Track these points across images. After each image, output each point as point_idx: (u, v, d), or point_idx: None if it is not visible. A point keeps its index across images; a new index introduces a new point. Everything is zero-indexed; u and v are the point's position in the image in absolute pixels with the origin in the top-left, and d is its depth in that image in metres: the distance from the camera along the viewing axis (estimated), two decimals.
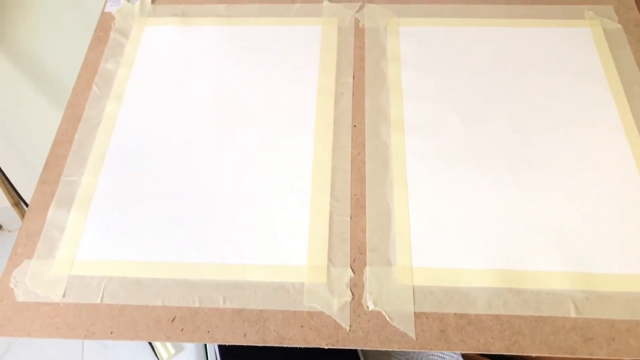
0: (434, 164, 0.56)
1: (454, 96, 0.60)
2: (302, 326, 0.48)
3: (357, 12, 0.68)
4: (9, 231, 1.49)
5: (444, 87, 0.61)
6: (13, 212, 1.20)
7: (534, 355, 0.46)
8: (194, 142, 0.59)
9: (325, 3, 0.69)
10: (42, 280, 0.51)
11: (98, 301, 0.49)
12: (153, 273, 0.51)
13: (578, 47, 0.64)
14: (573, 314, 0.47)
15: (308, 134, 0.59)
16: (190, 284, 0.50)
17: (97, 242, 0.53)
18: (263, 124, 0.60)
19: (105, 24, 0.70)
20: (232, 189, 0.55)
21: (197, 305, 0.49)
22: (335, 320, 0.48)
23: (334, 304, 0.48)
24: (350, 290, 0.49)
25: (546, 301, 0.48)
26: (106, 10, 0.71)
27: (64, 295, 0.50)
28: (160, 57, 0.66)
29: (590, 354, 0.45)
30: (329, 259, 0.51)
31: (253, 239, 0.52)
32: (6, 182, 1.12)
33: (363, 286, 0.49)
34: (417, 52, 0.64)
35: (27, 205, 1.14)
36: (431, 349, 0.46)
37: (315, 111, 0.60)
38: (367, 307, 0.48)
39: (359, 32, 0.67)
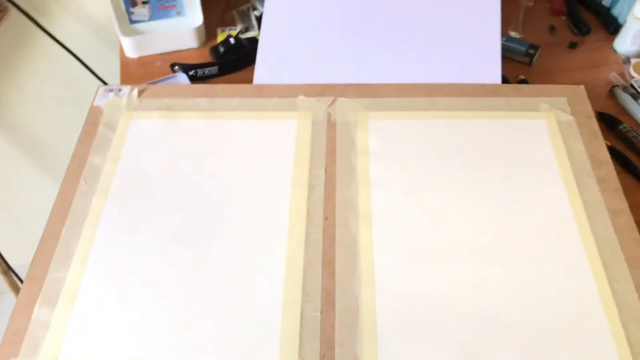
0: (401, 258, 0.59)
1: (420, 190, 0.65)
2: None
3: (329, 106, 0.73)
4: None
5: (411, 180, 0.66)
6: None
7: None
8: (174, 237, 0.62)
9: (301, 97, 0.74)
10: None
11: None
12: None
13: (534, 139, 0.69)
14: None
15: (282, 227, 0.62)
16: None
17: (82, 340, 0.55)
18: (239, 218, 0.64)
19: (94, 117, 0.74)
20: (210, 285, 0.58)
21: None
22: None
23: None
24: None
25: None
26: (95, 104, 0.75)
27: None
28: (145, 152, 0.70)
29: None
30: (300, 356, 0.53)
31: (225, 338, 0.55)
32: None
33: None
34: (384, 145, 0.69)
35: (15, 274, 1.17)
36: None
37: (289, 205, 0.64)
38: None
39: (331, 125, 0.72)
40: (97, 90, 0.77)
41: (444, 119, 0.71)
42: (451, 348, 0.53)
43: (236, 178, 0.67)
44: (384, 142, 0.69)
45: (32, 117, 1.10)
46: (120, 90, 0.77)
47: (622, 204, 0.63)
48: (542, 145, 0.68)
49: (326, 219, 0.63)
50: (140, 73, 0.86)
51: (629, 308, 0.55)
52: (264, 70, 0.79)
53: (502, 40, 0.79)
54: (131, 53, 0.87)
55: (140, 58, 0.87)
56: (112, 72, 1.03)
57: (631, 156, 0.75)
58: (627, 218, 0.62)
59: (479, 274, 0.58)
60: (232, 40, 0.85)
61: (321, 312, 0.56)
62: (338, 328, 0.55)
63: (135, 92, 0.76)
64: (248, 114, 0.74)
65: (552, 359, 0.52)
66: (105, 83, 1.00)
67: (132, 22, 0.87)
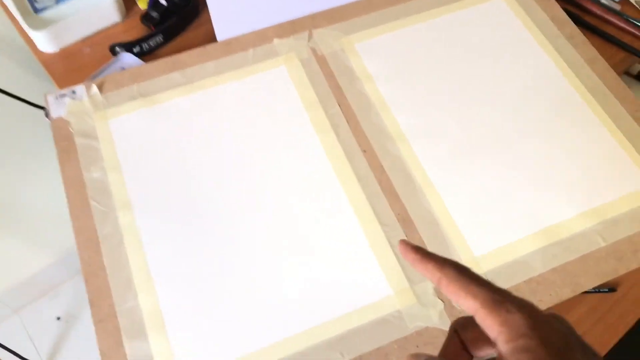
0: (448, 161, 0.63)
1: (435, 95, 0.67)
2: (417, 346, 0.53)
3: (309, 40, 0.71)
4: None
5: (422, 90, 0.68)
6: None
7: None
8: (227, 221, 0.59)
9: (276, 41, 0.71)
10: None
11: None
12: (267, 359, 0.52)
13: (501, 20, 0.74)
14: (602, 244, 0.58)
15: (328, 172, 0.62)
16: (303, 354, 0.53)
17: (192, 356, 0.53)
18: (282, 178, 0.62)
19: (62, 131, 0.64)
20: (287, 252, 0.58)
21: None
22: (440, 329, 0.54)
23: (432, 316, 0.55)
24: (438, 297, 0.56)
25: (581, 242, 0.59)
26: (53, 116, 0.65)
27: None
28: (143, 148, 0.63)
29: (627, 269, 0.58)
30: (408, 279, 0.56)
31: (333, 291, 0.56)
32: None
33: None
34: (382, 65, 0.69)
35: None
36: None
37: (323, 150, 0.63)
38: (457, 306, 0.55)
39: (320, 60, 0.70)
40: (46, 99, 0.66)
41: (420, 23, 0.73)
42: (525, 219, 0.59)
43: (254, 143, 0.64)
44: (380, 62, 0.70)
45: None
46: (74, 92, 0.66)
47: (593, 52, 0.71)
48: (510, 22, 0.74)
49: (365, 151, 0.63)
50: (71, 67, 0.74)
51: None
52: (222, 23, 0.72)
53: None
54: (49, 47, 0.74)
55: (62, 50, 0.75)
56: (12, 80, 0.87)
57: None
58: (602, 62, 0.71)
59: (523, 153, 0.63)
60: (162, 1, 0.76)
61: (406, 235, 0.59)
62: (427, 243, 0.58)
63: (95, 88, 0.66)
64: (230, 74, 0.69)
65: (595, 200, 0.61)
66: (14, 96, 0.84)
67: (37, 11, 0.73)
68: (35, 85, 0.90)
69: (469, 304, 0.27)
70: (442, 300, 0.55)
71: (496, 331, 0.26)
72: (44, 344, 1.32)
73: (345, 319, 0.54)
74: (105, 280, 0.56)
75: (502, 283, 0.56)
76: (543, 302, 0.56)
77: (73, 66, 0.75)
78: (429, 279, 0.29)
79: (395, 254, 0.58)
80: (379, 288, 0.56)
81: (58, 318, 1.36)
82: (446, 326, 0.54)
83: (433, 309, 0.55)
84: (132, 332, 0.53)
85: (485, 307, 0.26)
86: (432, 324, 0.54)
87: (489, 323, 0.26)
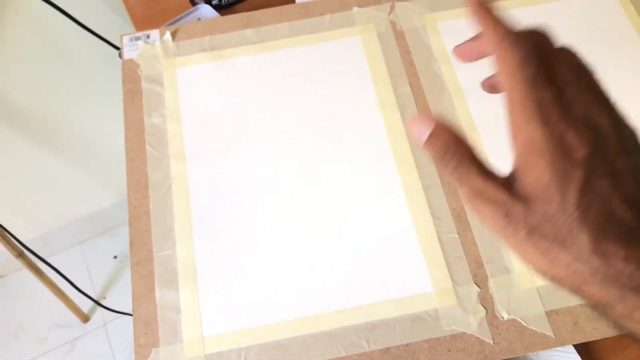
0: None
1: None
2: (449, 350, 0.50)
3: (390, 13, 0.67)
4: (2, 276, 1.43)
5: None
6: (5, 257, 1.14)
7: None
8: (276, 187, 0.58)
9: (355, 9, 0.67)
10: None
11: None
12: (289, 333, 0.51)
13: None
14: None
15: (387, 154, 0.59)
16: (330, 335, 0.51)
17: (219, 314, 0.52)
18: (338, 154, 0.59)
19: (131, 72, 0.65)
20: (331, 229, 0.55)
21: (343, 354, 0.50)
22: (477, 338, 0.50)
23: (472, 322, 0.51)
24: (481, 304, 0.52)
25: None
26: (125, 57, 0.66)
27: None
28: (206, 101, 0.63)
29: None
30: (453, 280, 0.52)
31: (373, 277, 0.53)
32: (5, 234, 1.05)
33: (491, 299, 0.52)
34: None
35: (32, 252, 1.08)
36: (570, 343, 0.50)
37: (385, 130, 0.60)
38: (502, 318, 0.51)
39: (399, 35, 0.66)
40: (122, 40, 0.67)
41: (519, 7, 0.67)
42: None
43: (317, 111, 0.62)
44: None
45: (11, 81, 0.97)
46: (148, 36, 0.67)
47: None
48: (617, 15, 0.66)
49: None
50: (151, 12, 0.75)
51: None
52: None
53: None
54: None
55: None
56: (97, 19, 0.90)
57: None
58: None
59: None
60: None
61: (458, 233, 0.55)
62: (480, 244, 0.54)
63: (169, 35, 0.66)
64: (303, 38, 0.66)
65: None
66: (93, 33, 0.87)
67: None
68: (115, 25, 0.92)
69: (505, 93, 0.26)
70: (485, 308, 0.51)
71: (513, 135, 0.25)
72: (99, 279, 1.39)
73: (378, 308, 0.51)
74: (148, 225, 0.56)
75: (556, 303, 0.51)
76: (599, 331, 0.50)
77: (153, 11, 0.75)
78: (485, 43, 0.27)
79: (443, 250, 0.54)
80: (420, 283, 0.52)
81: (115, 257, 1.42)
82: (484, 336, 0.50)
83: (473, 316, 0.51)
84: (165, 281, 0.54)
85: (512, 106, 0.25)
86: (469, 331, 0.50)
87: (509, 125, 0.25)
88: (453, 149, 0.25)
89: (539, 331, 0.50)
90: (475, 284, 0.52)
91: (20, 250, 1.08)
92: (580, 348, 0.58)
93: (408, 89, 0.62)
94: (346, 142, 0.60)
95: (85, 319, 1.32)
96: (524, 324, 0.50)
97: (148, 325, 0.52)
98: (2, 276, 1.41)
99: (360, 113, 0.61)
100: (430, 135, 0.25)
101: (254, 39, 0.66)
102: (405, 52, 0.65)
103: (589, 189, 0.22)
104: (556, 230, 0.23)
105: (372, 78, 0.63)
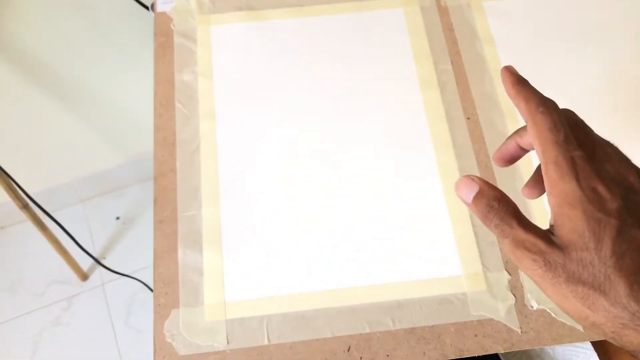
0: None
1: (560, 74, 0.60)
2: (475, 335, 0.49)
3: None
4: (2, 228, 1.41)
5: (544, 63, 0.60)
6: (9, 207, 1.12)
7: None
8: (306, 155, 0.56)
9: None
10: (198, 329, 0.49)
11: (266, 342, 0.48)
12: (313, 304, 0.50)
13: None
14: None
15: (424, 132, 0.57)
16: (354, 310, 0.50)
17: (242, 280, 0.51)
18: (372, 127, 0.57)
19: (163, 26, 0.62)
20: (362, 203, 0.54)
21: (367, 330, 0.49)
22: (505, 325, 0.49)
23: (500, 309, 0.50)
24: (511, 292, 0.50)
25: None
26: (158, 10, 0.63)
27: (228, 342, 0.48)
28: (239, 62, 0.61)
29: None
30: (483, 265, 0.51)
31: (402, 255, 0.52)
32: (12, 184, 1.03)
33: (522, 287, 0.51)
34: (508, 30, 0.62)
35: (37, 205, 1.07)
36: (598, 338, 0.49)
37: (423, 106, 0.58)
38: (532, 307, 0.50)
39: (442, 11, 0.64)
40: None
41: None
42: None
43: (352, 83, 0.60)
44: (507, 27, 0.63)
45: (24, 31, 0.94)
46: None
47: None
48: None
49: (468, 118, 0.58)
50: None
51: None
52: None
53: None
54: None
55: None
56: None
57: None
58: None
59: None
60: None
61: None
62: None
63: None
64: (344, 5, 0.64)
65: None
66: None
67: None
68: None
69: (538, 155, 0.27)
70: (514, 295, 0.50)
71: (549, 192, 0.27)
72: (100, 239, 1.37)
73: (406, 287, 0.50)
74: (174, 183, 0.55)
75: None
76: None
77: None
78: (519, 112, 0.29)
79: (476, 234, 0.52)
80: (450, 265, 0.51)
81: (117, 218, 1.41)
82: (512, 324, 0.49)
83: (502, 303, 0.50)
84: (189, 241, 0.52)
85: (547, 165, 0.26)
86: (497, 318, 0.49)
87: (545, 182, 0.27)
88: (496, 207, 0.27)
89: (567, 324, 0.49)
90: (506, 270, 0.51)
91: (25, 202, 1.06)
92: (597, 344, 0.58)
93: (449, 66, 0.60)
94: (382, 117, 0.58)
95: (84, 277, 1.31)
96: (554, 315, 0.49)
97: (169, 285, 0.51)
98: (2, 228, 1.39)
99: (398, 88, 0.59)
100: (475, 197, 0.28)
101: (293, 2, 0.64)
102: (448, 30, 0.62)
103: (623, 237, 0.24)
104: (594, 276, 0.24)
105: (413, 53, 0.61)
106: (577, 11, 0.64)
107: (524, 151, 0.32)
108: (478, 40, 0.62)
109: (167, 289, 0.50)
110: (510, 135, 0.32)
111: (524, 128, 0.31)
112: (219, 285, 0.50)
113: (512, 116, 0.57)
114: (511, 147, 0.32)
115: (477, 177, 0.28)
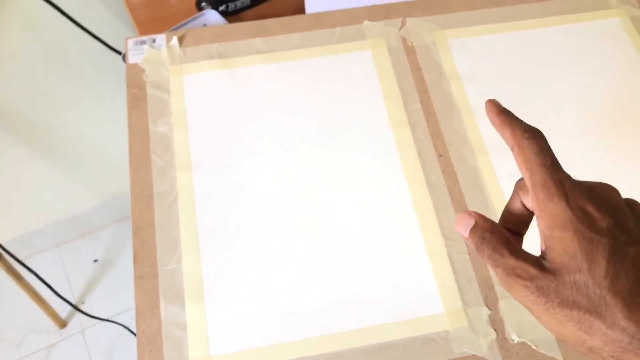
0: None
1: (527, 106, 0.62)
2: None
3: (400, 28, 0.67)
4: None
5: (515, 102, 0.62)
6: None
7: None
8: (285, 200, 0.57)
9: (366, 23, 0.67)
10: None
11: None
12: (298, 353, 0.50)
13: (610, 39, 0.67)
14: None
15: (397, 172, 0.58)
16: (340, 356, 0.50)
17: (227, 332, 0.51)
18: (347, 169, 0.58)
19: (135, 77, 0.63)
20: (341, 247, 0.55)
21: None
22: None
23: (482, 344, 0.50)
24: (492, 326, 0.51)
25: None
26: (130, 62, 0.64)
27: None
28: (213, 110, 0.61)
29: None
30: (463, 301, 0.52)
31: (381, 297, 0.52)
32: None
33: (502, 321, 0.52)
34: (473, 66, 0.65)
35: (10, 254, 1.04)
36: None
37: (395, 146, 0.60)
38: (512, 340, 0.51)
39: (409, 51, 0.66)
40: (126, 43, 0.65)
41: (522, 30, 0.68)
42: None
43: (326, 125, 0.61)
44: (472, 63, 0.65)
45: (1, 78, 0.93)
46: (154, 40, 0.65)
47: None
48: (621, 43, 0.67)
49: (440, 155, 0.59)
50: (155, 16, 0.73)
51: None
52: None
53: None
54: None
55: None
56: (95, 20, 0.87)
57: None
58: None
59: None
60: None
61: (469, 254, 0.54)
62: None
63: (176, 40, 0.64)
64: (313, 50, 0.66)
65: None
66: (93, 36, 0.84)
67: None
68: (117, 30, 0.90)
69: (525, 180, 0.28)
70: (495, 330, 0.51)
71: (538, 215, 0.27)
72: (77, 283, 1.35)
73: (389, 329, 0.51)
74: (153, 237, 0.55)
75: None
76: None
77: (158, 15, 0.74)
78: (504, 140, 0.30)
79: (454, 271, 0.54)
80: (430, 304, 0.52)
81: (95, 260, 1.38)
82: (495, 358, 0.50)
83: (484, 338, 0.51)
84: (170, 296, 0.52)
85: (535, 188, 0.27)
86: (480, 353, 0.50)
87: (534, 205, 0.27)
88: (488, 238, 0.27)
89: (548, 355, 0.50)
90: (486, 305, 0.52)
91: None
92: None
93: (419, 105, 0.62)
94: (356, 158, 0.59)
95: (62, 324, 1.28)
96: (534, 347, 0.50)
97: (152, 342, 0.50)
98: None
99: (370, 128, 0.61)
100: (471, 230, 0.28)
101: (263, 48, 0.65)
102: (416, 68, 0.64)
103: (616, 256, 0.24)
104: (588, 299, 0.24)
105: (383, 93, 0.63)
106: (542, 44, 0.66)
107: (531, 213, 0.30)
108: (445, 77, 0.64)
109: (150, 346, 0.50)
110: (512, 197, 0.31)
111: (522, 181, 0.30)
112: (203, 339, 0.50)
113: (481, 151, 0.59)
114: (517, 209, 0.31)
115: (473, 211, 0.29)
